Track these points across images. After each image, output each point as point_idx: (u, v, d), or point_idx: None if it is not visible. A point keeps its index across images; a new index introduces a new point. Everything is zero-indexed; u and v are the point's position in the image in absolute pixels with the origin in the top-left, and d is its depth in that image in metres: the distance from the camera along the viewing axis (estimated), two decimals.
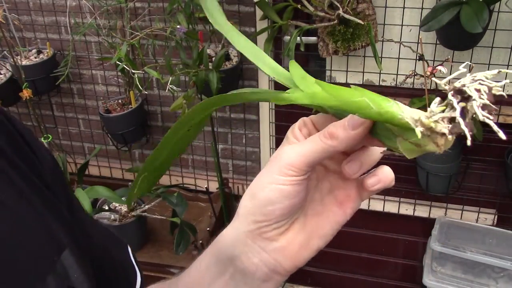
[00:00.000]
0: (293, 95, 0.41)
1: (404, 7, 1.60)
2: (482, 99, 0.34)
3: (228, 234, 0.44)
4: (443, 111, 0.35)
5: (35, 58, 1.99)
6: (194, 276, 0.48)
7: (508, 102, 1.66)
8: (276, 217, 0.42)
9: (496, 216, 1.83)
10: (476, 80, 0.35)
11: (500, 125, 0.34)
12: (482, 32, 1.48)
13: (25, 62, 1.94)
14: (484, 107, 0.34)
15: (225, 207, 2.03)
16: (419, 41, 1.51)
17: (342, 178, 0.44)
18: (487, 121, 0.34)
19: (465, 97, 0.35)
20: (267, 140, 1.98)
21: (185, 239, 1.75)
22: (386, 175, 0.42)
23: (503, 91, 0.35)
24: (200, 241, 1.88)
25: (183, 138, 0.45)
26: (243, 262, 0.43)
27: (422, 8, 1.57)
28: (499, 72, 0.36)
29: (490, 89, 0.35)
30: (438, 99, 0.36)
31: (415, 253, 2.02)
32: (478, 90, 0.34)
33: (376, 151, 0.42)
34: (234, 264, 0.44)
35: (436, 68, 1.42)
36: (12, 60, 1.76)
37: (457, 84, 0.36)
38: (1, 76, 1.98)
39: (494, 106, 0.34)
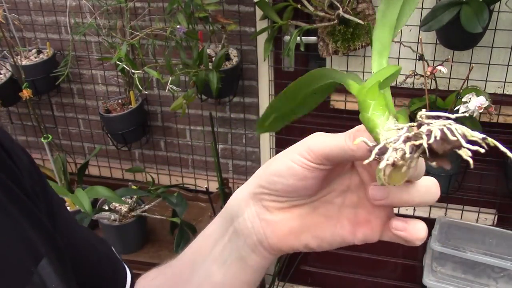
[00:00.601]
0: (351, 82, 0.40)
1: None
2: (430, 142, 0.32)
3: (237, 193, 0.45)
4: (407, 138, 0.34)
5: (35, 58, 1.99)
6: (198, 242, 0.49)
7: (508, 102, 1.66)
8: (277, 191, 0.42)
9: (496, 216, 1.83)
10: (446, 125, 0.33)
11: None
12: (482, 32, 1.48)
13: (25, 62, 1.94)
14: (434, 149, 0.32)
15: None
16: (419, 41, 1.51)
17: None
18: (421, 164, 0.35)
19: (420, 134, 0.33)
20: (267, 140, 1.98)
21: (185, 239, 1.75)
22: (415, 230, 0.39)
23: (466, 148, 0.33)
24: None
25: (309, 97, 0.44)
26: (239, 222, 0.44)
27: (422, 8, 1.57)
28: (483, 139, 0.33)
29: (445, 135, 0.32)
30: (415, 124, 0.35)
31: (415, 253, 2.02)
32: (429, 132, 0.33)
33: (410, 192, 0.38)
34: (233, 225, 0.45)
35: (436, 68, 1.42)
36: (12, 60, 1.76)
37: (422, 117, 0.34)
38: (1, 76, 1.98)
39: (442, 154, 0.33)
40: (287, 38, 1.69)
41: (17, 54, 1.95)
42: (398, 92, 1.72)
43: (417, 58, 1.55)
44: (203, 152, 2.12)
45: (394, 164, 0.33)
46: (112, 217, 1.85)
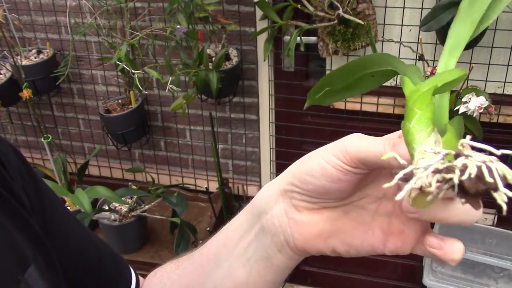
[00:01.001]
0: (408, 81, 0.37)
1: (404, 7, 1.60)
2: (465, 179, 0.29)
3: (265, 188, 0.44)
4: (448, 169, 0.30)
5: (35, 58, 1.99)
6: (224, 235, 0.47)
7: (508, 102, 1.66)
8: (309, 191, 0.40)
9: (496, 216, 1.83)
10: (486, 162, 0.30)
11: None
12: (482, 32, 1.47)
13: (25, 62, 1.94)
14: (465, 187, 0.29)
15: (225, 207, 2.03)
16: (419, 41, 1.51)
17: None
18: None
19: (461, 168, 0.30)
20: (267, 140, 1.98)
21: (185, 239, 1.75)
22: (451, 250, 0.37)
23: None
24: (200, 241, 1.88)
25: (366, 78, 0.41)
26: (267, 220, 0.42)
27: (422, 8, 1.57)
28: None
29: (481, 174, 0.29)
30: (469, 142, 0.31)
31: (415, 253, 2.02)
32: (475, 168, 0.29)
33: (447, 210, 0.35)
34: (260, 221, 0.43)
35: (436, 68, 1.42)
36: (12, 60, 1.76)
37: (464, 145, 0.31)
38: (1, 76, 1.98)
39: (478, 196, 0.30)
40: (287, 38, 1.69)
41: (17, 54, 1.95)
42: (398, 92, 1.72)
43: (417, 58, 1.55)
44: (203, 152, 2.12)
45: (421, 189, 0.31)
46: (112, 217, 1.85)
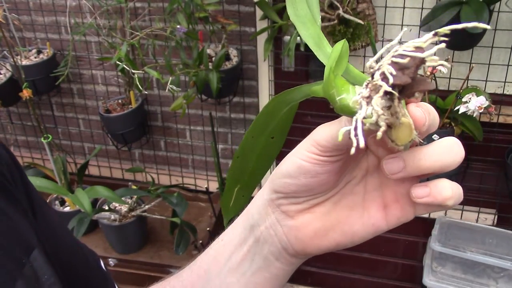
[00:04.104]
0: (314, 87, 0.38)
1: (404, 7, 1.60)
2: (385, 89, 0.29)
3: (255, 200, 0.43)
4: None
5: (35, 58, 1.99)
6: (212, 255, 0.46)
7: (508, 102, 1.66)
8: (292, 192, 0.39)
9: (496, 216, 1.83)
10: (393, 55, 0.30)
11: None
12: (482, 32, 1.48)
13: (25, 62, 1.94)
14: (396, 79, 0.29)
15: None
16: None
17: None
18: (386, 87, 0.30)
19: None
20: None
21: (185, 239, 1.75)
22: (438, 190, 0.35)
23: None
24: (200, 241, 1.88)
25: (268, 146, 0.41)
26: (261, 231, 0.42)
27: (422, 8, 1.57)
28: (435, 35, 0.30)
29: (399, 64, 0.29)
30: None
31: (415, 253, 2.02)
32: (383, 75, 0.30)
33: (428, 155, 0.34)
34: (253, 234, 0.42)
35: (436, 68, 1.42)
36: (12, 60, 1.76)
37: (372, 66, 0.31)
38: (1, 76, 1.98)
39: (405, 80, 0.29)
40: (287, 38, 1.69)
41: (17, 54, 1.95)
42: None
43: None
44: (203, 152, 2.12)
45: (389, 126, 0.31)
46: (112, 217, 1.85)
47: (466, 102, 1.40)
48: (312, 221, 0.40)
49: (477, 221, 1.83)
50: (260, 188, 0.43)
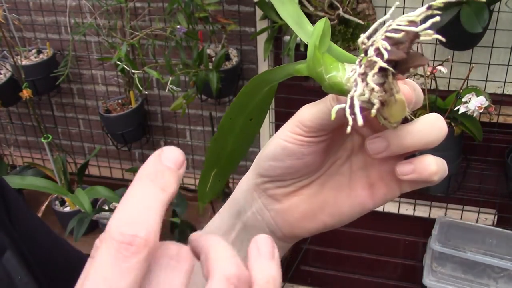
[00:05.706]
0: (298, 66, 0.37)
1: (404, 7, 1.60)
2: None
3: (240, 185, 0.42)
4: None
5: (35, 58, 1.99)
6: None
7: (508, 102, 1.66)
8: (278, 175, 0.39)
9: (496, 216, 1.83)
10: (387, 30, 0.30)
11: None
12: (482, 32, 1.48)
13: (25, 62, 1.94)
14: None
15: None
16: (419, 41, 1.50)
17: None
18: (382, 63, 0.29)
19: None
20: (267, 140, 1.98)
21: (185, 239, 1.75)
22: (423, 166, 0.34)
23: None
24: None
25: (246, 128, 0.40)
26: (248, 217, 0.41)
27: None
28: (428, 8, 0.30)
29: (393, 39, 0.28)
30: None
31: (415, 253, 2.02)
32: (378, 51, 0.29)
33: (411, 133, 0.34)
34: (241, 220, 0.42)
35: (436, 68, 1.42)
36: (12, 60, 1.76)
37: (364, 42, 0.31)
38: (1, 76, 1.98)
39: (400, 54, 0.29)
40: (287, 38, 1.69)
41: (17, 54, 1.95)
42: None
43: None
44: (203, 152, 2.12)
45: (382, 104, 0.30)
46: None
47: (466, 102, 1.40)
48: (299, 204, 0.40)
49: (477, 221, 1.83)
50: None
